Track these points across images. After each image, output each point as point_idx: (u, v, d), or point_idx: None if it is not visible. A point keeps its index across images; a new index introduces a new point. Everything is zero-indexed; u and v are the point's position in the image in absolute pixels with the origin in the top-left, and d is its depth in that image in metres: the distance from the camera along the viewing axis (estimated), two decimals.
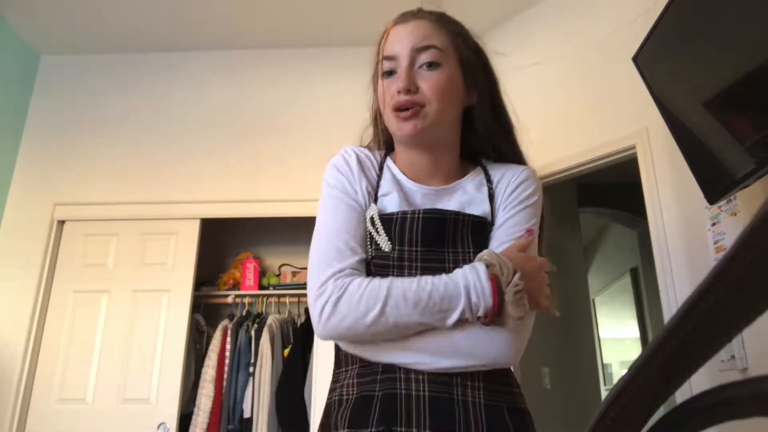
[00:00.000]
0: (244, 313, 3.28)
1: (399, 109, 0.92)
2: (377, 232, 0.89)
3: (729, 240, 1.90)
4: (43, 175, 3.22)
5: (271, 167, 3.19)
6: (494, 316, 0.79)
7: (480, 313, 0.79)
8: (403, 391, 0.82)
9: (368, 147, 1.05)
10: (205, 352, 3.10)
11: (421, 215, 0.90)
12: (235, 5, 3.07)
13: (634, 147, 2.43)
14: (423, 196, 0.95)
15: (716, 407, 0.29)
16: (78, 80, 3.43)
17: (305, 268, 3.43)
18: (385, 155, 1.02)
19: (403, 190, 0.96)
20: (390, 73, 0.95)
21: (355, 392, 0.85)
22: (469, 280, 0.79)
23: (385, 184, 0.96)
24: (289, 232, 3.47)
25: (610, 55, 2.59)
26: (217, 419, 2.91)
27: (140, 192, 3.18)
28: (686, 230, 2.19)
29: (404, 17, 1.01)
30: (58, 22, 3.20)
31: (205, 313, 3.35)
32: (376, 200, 0.94)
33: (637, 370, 0.28)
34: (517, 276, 0.79)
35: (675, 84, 1.95)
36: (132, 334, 2.95)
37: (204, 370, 3.01)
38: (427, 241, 0.89)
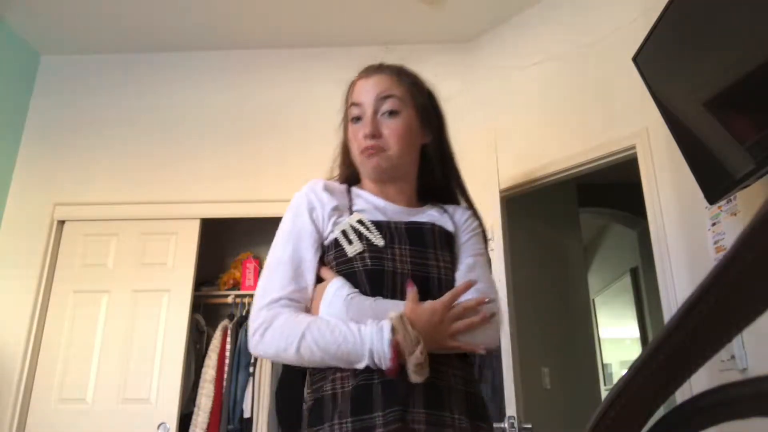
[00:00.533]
0: (244, 313, 3.28)
1: (364, 150, 1.07)
2: (369, 230, 1.01)
3: (729, 240, 1.90)
4: (43, 175, 3.22)
5: (271, 167, 3.19)
6: (396, 373, 0.89)
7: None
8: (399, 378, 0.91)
9: (336, 179, 1.20)
10: (205, 352, 3.09)
11: (403, 224, 1.05)
12: (235, 5, 3.07)
13: (634, 147, 2.43)
14: (396, 213, 1.09)
15: (716, 407, 0.29)
16: (78, 80, 3.43)
17: None
18: (350, 186, 1.16)
19: (377, 207, 1.09)
20: (357, 119, 1.10)
21: (351, 383, 0.92)
22: (374, 344, 0.89)
23: (359, 204, 1.09)
24: None
25: (610, 55, 2.59)
26: (217, 419, 2.91)
27: (140, 192, 3.18)
28: (686, 230, 2.19)
29: (368, 71, 1.16)
30: (58, 22, 3.20)
31: (205, 313, 3.35)
32: (351, 212, 1.07)
33: (637, 370, 0.28)
34: (419, 348, 0.87)
35: (675, 84, 1.95)
36: (132, 334, 2.95)
37: (204, 370, 3.01)
38: (414, 242, 1.02)
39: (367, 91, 1.10)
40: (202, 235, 3.14)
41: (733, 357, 1.84)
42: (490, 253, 2.63)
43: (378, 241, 1.00)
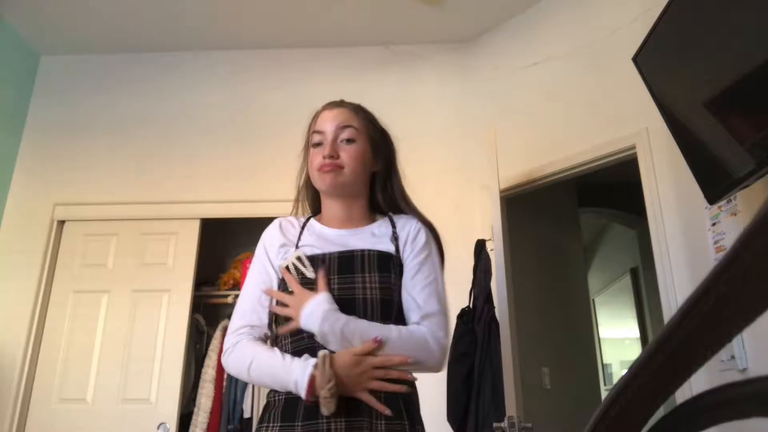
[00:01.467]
0: None
1: (322, 167, 1.24)
2: (304, 265, 1.19)
3: (729, 240, 1.90)
4: (43, 175, 3.22)
5: (271, 167, 3.19)
6: (311, 401, 1.06)
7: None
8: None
9: (296, 215, 1.37)
10: (205, 352, 3.10)
11: (335, 255, 1.20)
12: (235, 5, 3.07)
13: (634, 147, 2.43)
14: (338, 237, 1.25)
15: (716, 407, 0.29)
16: (78, 80, 3.43)
17: None
18: (309, 218, 1.33)
19: (322, 238, 1.26)
20: (318, 144, 1.27)
21: (284, 395, 1.12)
22: (298, 377, 1.07)
23: (306, 238, 1.26)
24: None
25: (610, 55, 2.59)
26: (217, 419, 2.91)
27: (140, 192, 3.18)
28: (686, 230, 2.19)
29: (330, 105, 1.34)
30: (58, 22, 3.20)
31: (205, 313, 3.35)
32: (297, 247, 1.24)
33: (637, 370, 0.28)
34: (328, 386, 1.03)
35: (675, 84, 1.95)
36: (132, 334, 2.95)
37: (204, 370, 3.01)
38: (342, 270, 1.18)
39: (329, 121, 1.28)
40: (202, 235, 3.14)
41: (733, 357, 1.84)
42: (489, 253, 2.63)
43: (310, 274, 1.17)
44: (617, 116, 2.52)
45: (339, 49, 3.39)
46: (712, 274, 0.24)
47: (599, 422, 0.30)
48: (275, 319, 1.21)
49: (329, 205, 1.31)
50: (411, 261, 1.22)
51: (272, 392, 1.16)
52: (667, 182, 2.30)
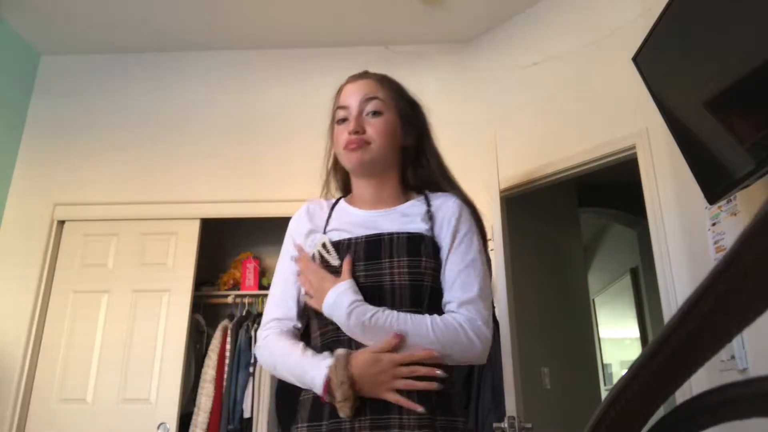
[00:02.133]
0: (244, 313, 3.28)
1: (348, 145, 1.16)
2: (328, 252, 1.13)
3: (729, 240, 1.90)
4: (43, 175, 3.22)
5: (271, 167, 3.19)
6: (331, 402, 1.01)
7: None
8: None
9: (326, 197, 1.30)
10: (205, 352, 3.09)
11: (362, 240, 1.13)
12: (235, 5, 3.07)
13: (634, 147, 2.43)
14: (368, 219, 1.18)
15: (716, 407, 0.29)
16: (78, 80, 3.43)
17: None
18: (339, 198, 1.27)
19: (350, 220, 1.18)
20: (343, 120, 1.20)
21: (312, 393, 1.06)
22: (315, 380, 1.02)
23: (334, 222, 1.19)
24: None
25: (610, 55, 2.59)
26: (217, 419, 2.91)
27: (140, 192, 3.18)
28: (686, 230, 2.19)
29: (354, 78, 1.25)
30: (58, 22, 3.20)
31: (205, 313, 3.35)
32: (325, 232, 1.18)
33: (637, 370, 0.28)
34: (340, 390, 0.98)
35: (675, 84, 1.95)
36: (132, 334, 2.95)
37: (204, 370, 3.01)
38: (369, 256, 1.10)
39: (353, 94, 1.20)
40: (202, 235, 3.14)
41: (733, 357, 1.84)
42: (490, 254, 2.63)
43: (335, 261, 1.11)
44: (617, 116, 2.52)
45: (339, 49, 3.39)
46: (712, 274, 0.24)
47: (599, 422, 0.30)
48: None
49: (358, 185, 1.23)
50: (448, 242, 1.13)
51: (304, 390, 1.11)
52: (667, 182, 2.30)
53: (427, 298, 1.08)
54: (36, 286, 3.00)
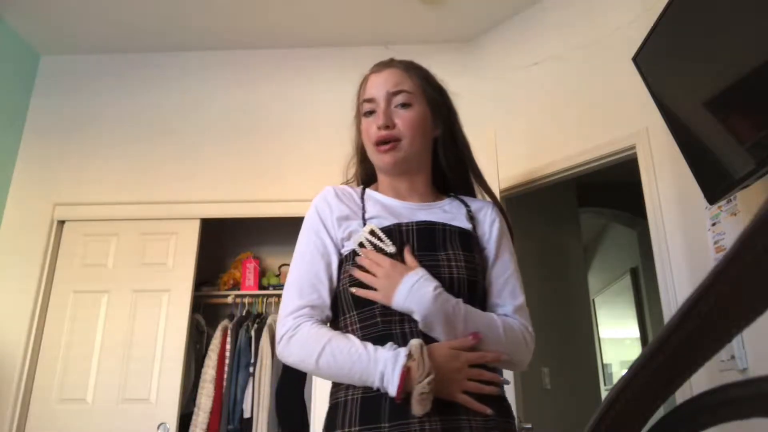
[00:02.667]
0: (244, 313, 3.28)
1: (379, 143, 1.10)
2: (380, 239, 1.03)
3: (729, 240, 1.90)
4: (43, 175, 3.22)
5: (271, 167, 3.19)
6: (400, 399, 0.90)
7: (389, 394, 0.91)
8: None
9: (347, 183, 1.22)
10: (205, 352, 3.09)
11: (414, 226, 1.05)
12: (235, 5, 3.07)
13: (634, 147, 2.43)
14: (406, 209, 1.11)
15: (716, 407, 0.29)
16: (78, 80, 3.43)
17: None
18: (365, 188, 1.18)
19: (388, 209, 1.11)
20: (370, 112, 1.14)
21: (360, 392, 0.95)
22: (387, 368, 0.90)
23: (371, 210, 1.11)
24: (289, 232, 3.45)
25: (610, 55, 2.59)
26: (217, 419, 2.91)
27: (140, 192, 3.18)
28: (686, 230, 2.19)
29: (379, 67, 1.19)
30: (58, 22, 3.20)
31: (205, 313, 3.35)
32: (365, 223, 1.08)
33: (637, 370, 0.28)
34: (427, 380, 0.88)
35: (675, 84, 1.95)
36: (132, 334, 2.95)
37: (204, 370, 3.01)
38: (422, 246, 1.03)
39: (379, 86, 1.14)
40: (202, 235, 3.14)
41: (733, 357, 1.84)
42: None
43: (390, 249, 1.02)
44: (617, 116, 2.52)
45: (339, 49, 3.39)
46: (712, 274, 0.24)
47: (599, 422, 0.30)
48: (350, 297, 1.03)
49: (387, 181, 1.17)
50: (492, 247, 1.10)
51: (341, 391, 0.99)
52: (667, 182, 2.30)
53: (480, 295, 1.05)
54: (36, 286, 3.00)
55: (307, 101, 3.32)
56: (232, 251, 3.59)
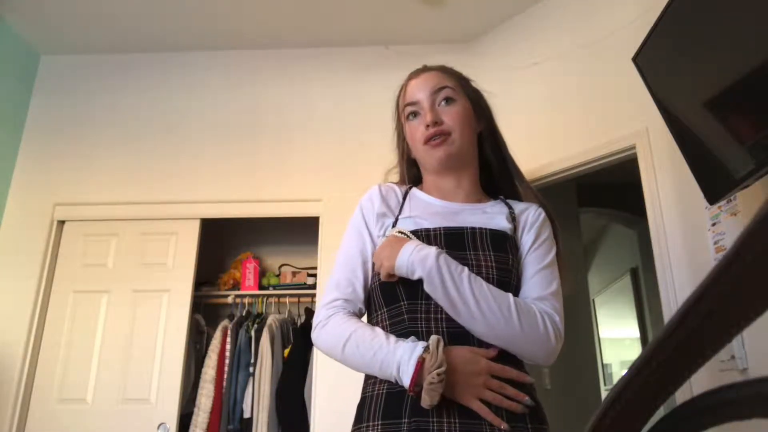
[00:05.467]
0: (244, 313, 3.28)
1: (429, 140, 1.12)
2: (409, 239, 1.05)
3: (729, 240, 1.90)
4: (43, 175, 3.22)
5: (271, 167, 3.19)
6: (415, 391, 0.91)
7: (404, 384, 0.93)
8: None
9: (396, 183, 1.24)
10: (205, 352, 3.10)
11: (441, 231, 1.07)
12: (235, 5, 3.07)
13: (634, 147, 2.43)
14: (446, 209, 1.13)
15: (717, 408, 0.29)
16: (78, 80, 3.43)
17: (305, 269, 3.44)
18: (411, 187, 1.21)
19: (427, 209, 1.13)
20: (415, 115, 1.16)
21: (385, 388, 0.98)
22: (404, 358, 0.92)
23: (407, 210, 1.14)
24: (289, 232, 3.47)
25: (610, 55, 2.59)
26: (217, 419, 2.91)
27: (140, 192, 3.18)
28: (686, 230, 2.19)
29: (416, 73, 1.22)
30: (58, 22, 3.20)
31: (205, 313, 3.35)
32: (396, 222, 1.12)
33: (637, 370, 0.28)
34: (437, 370, 0.88)
35: (675, 84, 1.95)
36: (132, 334, 2.95)
37: (204, 370, 3.01)
38: (450, 247, 1.04)
39: (421, 87, 1.16)
40: (202, 235, 3.14)
41: (733, 357, 1.84)
42: None
43: None
44: (617, 116, 2.52)
45: (339, 49, 3.39)
46: (712, 274, 0.24)
47: (599, 422, 0.30)
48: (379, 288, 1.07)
49: (435, 179, 1.18)
50: (529, 244, 1.11)
51: (369, 386, 1.02)
52: (667, 182, 2.30)
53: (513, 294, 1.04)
54: (36, 286, 3.00)
55: (308, 101, 3.32)
56: (232, 251, 3.59)
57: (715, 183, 1.77)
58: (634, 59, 2.08)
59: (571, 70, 2.78)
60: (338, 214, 2.99)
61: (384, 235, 1.10)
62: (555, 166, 2.71)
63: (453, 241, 1.05)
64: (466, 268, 0.99)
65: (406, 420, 0.92)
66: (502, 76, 3.10)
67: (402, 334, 0.99)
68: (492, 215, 1.13)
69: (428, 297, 0.99)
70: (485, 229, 1.08)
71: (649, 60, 2.02)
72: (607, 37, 2.62)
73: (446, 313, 0.98)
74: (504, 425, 0.91)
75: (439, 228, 1.07)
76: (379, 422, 0.95)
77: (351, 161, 3.13)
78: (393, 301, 1.03)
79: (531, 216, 1.15)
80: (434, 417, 0.91)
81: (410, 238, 1.04)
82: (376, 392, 0.99)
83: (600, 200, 4.35)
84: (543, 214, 1.16)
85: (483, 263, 1.02)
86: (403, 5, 3.06)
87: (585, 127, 2.64)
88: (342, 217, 3.07)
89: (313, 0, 3.04)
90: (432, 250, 0.98)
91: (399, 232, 1.06)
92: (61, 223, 3.16)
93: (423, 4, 3.04)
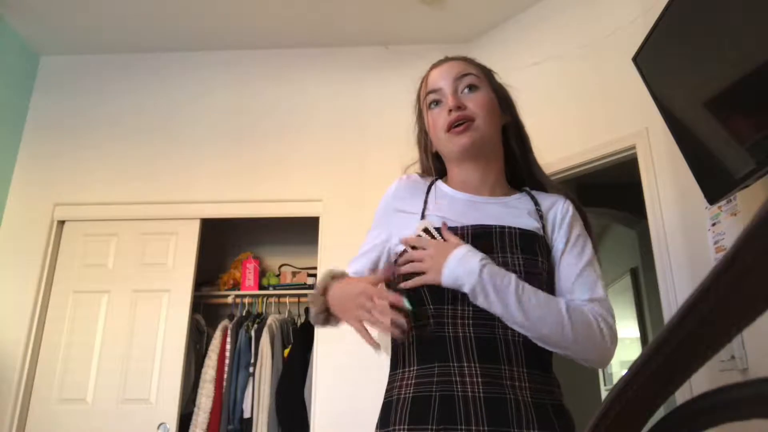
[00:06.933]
0: (244, 313, 3.28)
1: (452, 126, 1.07)
2: (433, 237, 1.03)
3: (729, 240, 1.90)
4: (43, 175, 3.22)
5: (271, 167, 3.19)
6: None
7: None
8: (459, 393, 0.93)
9: (420, 174, 1.20)
10: (205, 352, 3.10)
11: (469, 230, 1.03)
12: (235, 5, 3.07)
13: (634, 147, 2.43)
14: (470, 204, 1.08)
15: (717, 408, 0.29)
16: (78, 80, 3.43)
17: (305, 269, 3.44)
18: (435, 180, 1.17)
19: (451, 204, 1.09)
20: (436, 102, 1.12)
21: (411, 392, 0.96)
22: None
23: (432, 203, 1.10)
24: (289, 232, 3.47)
25: (610, 55, 2.59)
26: (217, 419, 2.91)
27: (140, 192, 3.18)
28: (686, 230, 2.19)
29: (439, 62, 1.19)
30: (58, 22, 3.20)
31: (205, 313, 3.35)
32: (423, 216, 1.08)
33: (637, 370, 0.28)
34: (312, 291, 1.08)
35: (675, 84, 1.94)
36: (132, 334, 2.95)
37: (204, 370, 3.01)
38: (477, 247, 0.99)
39: (443, 75, 1.13)
40: (202, 235, 3.14)
41: (733, 357, 1.84)
42: None
43: None
44: (617, 116, 2.52)
45: (339, 49, 3.39)
46: (712, 274, 0.24)
47: (599, 422, 0.30)
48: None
49: (463, 168, 1.12)
50: (562, 244, 1.05)
51: (394, 389, 1.00)
52: (667, 182, 2.30)
53: None
54: (36, 286, 3.00)
55: (308, 101, 3.31)
56: (232, 251, 3.59)
57: (715, 183, 1.77)
58: (634, 59, 2.08)
59: (572, 70, 2.77)
60: (338, 214, 2.99)
61: (406, 228, 1.06)
62: (555, 166, 2.71)
63: (480, 240, 1.01)
64: (513, 278, 0.95)
65: (434, 427, 0.90)
66: (502, 76, 3.09)
67: (428, 339, 0.97)
68: (518, 210, 1.08)
69: (455, 301, 0.97)
70: (514, 228, 1.03)
71: (649, 60, 2.02)
72: (607, 37, 2.62)
73: (473, 318, 0.96)
74: (378, 345, 0.93)
75: (467, 227, 1.03)
76: (406, 427, 0.93)
77: (351, 161, 3.13)
78: (418, 304, 1.00)
79: (560, 212, 1.09)
80: (462, 425, 0.89)
81: (442, 238, 1.01)
82: (402, 396, 0.97)
83: (600, 200, 4.35)
84: (572, 208, 1.11)
85: (510, 265, 0.98)
86: (403, 5, 3.05)
87: (585, 127, 2.64)
88: (342, 217, 3.09)
89: (313, 0, 3.04)
90: (476, 263, 0.94)
91: (424, 229, 1.03)
92: (61, 223, 3.16)
93: (423, 4, 3.04)
